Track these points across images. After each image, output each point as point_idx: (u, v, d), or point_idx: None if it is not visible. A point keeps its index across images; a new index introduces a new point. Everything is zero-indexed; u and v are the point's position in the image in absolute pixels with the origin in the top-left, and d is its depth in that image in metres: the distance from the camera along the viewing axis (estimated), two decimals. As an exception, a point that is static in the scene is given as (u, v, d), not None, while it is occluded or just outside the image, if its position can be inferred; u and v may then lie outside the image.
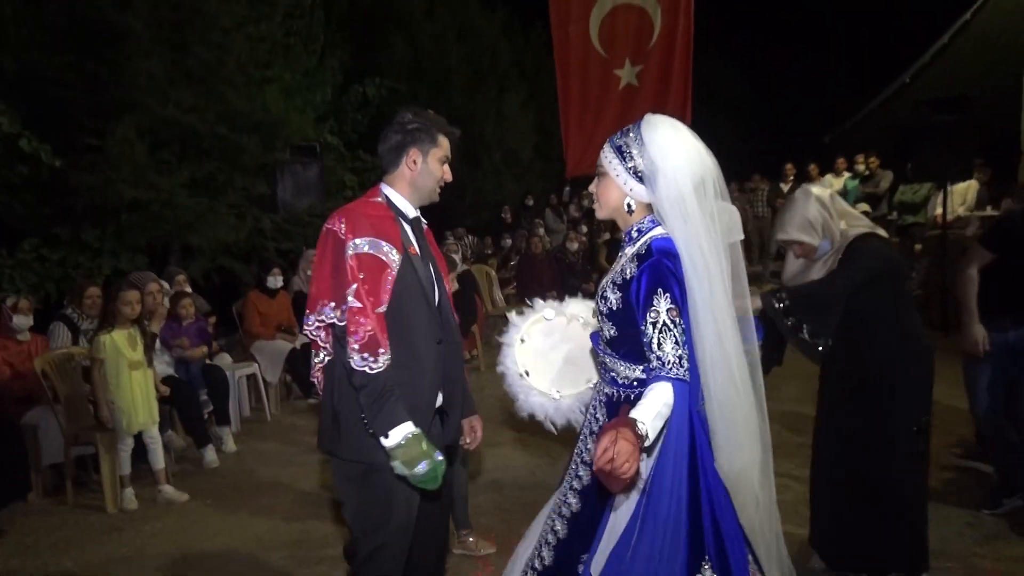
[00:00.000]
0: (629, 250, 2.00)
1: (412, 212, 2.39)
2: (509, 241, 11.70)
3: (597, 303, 2.07)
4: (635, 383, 1.97)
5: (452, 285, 3.90)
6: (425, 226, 2.47)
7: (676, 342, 1.83)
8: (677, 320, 1.84)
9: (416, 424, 2.18)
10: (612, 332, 2.02)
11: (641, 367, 1.94)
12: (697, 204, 1.88)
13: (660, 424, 1.78)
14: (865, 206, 9.69)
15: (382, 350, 2.12)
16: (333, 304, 2.16)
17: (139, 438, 4.66)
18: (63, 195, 7.37)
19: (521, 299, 8.53)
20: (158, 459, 4.71)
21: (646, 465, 1.87)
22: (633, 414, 1.74)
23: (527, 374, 2.56)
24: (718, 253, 1.90)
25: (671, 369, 1.82)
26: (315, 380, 2.38)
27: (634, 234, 2.01)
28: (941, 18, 10.34)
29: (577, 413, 2.50)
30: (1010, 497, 3.69)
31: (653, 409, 1.76)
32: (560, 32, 8.31)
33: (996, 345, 3.60)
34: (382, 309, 2.16)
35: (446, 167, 2.41)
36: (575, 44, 8.24)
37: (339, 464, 2.32)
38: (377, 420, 2.13)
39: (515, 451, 5.10)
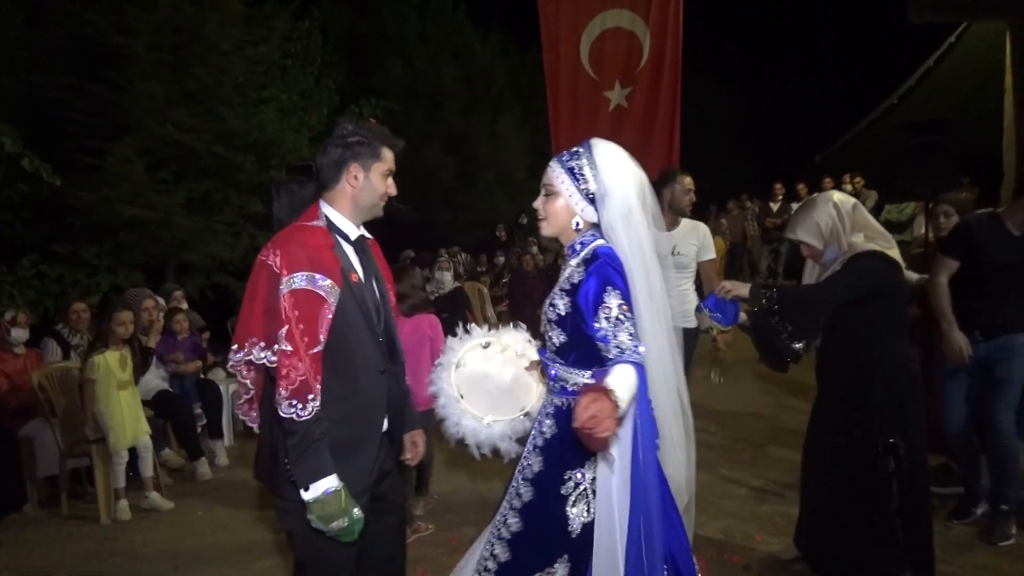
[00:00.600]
0: (574, 260, 2.11)
1: (355, 232, 2.26)
2: (502, 259, 11.84)
3: (545, 313, 2.15)
4: None
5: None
6: (370, 239, 2.35)
7: (631, 334, 1.91)
8: (629, 315, 1.93)
9: (362, 458, 2.13)
10: (561, 339, 2.10)
11: (590, 372, 2.02)
12: (642, 216, 2.05)
13: (629, 400, 1.80)
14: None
15: (311, 395, 1.99)
16: (263, 344, 2.04)
17: (133, 450, 4.77)
18: (62, 213, 7.54)
19: (513, 316, 8.64)
20: (147, 467, 4.84)
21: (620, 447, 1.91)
22: (606, 384, 1.73)
23: (462, 397, 2.55)
24: (660, 266, 2.07)
25: (631, 354, 1.88)
26: (240, 413, 2.31)
27: (577, 246, 2.12)
28: (928, 41, 10.56)
29: (507, 442, 2.49)
30: (977, 506, 3.79)
31: (623, 383, 1.79)
32: (551, 55, 8.46)
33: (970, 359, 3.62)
34: (317, 350, 2.02)
35: (390, 181, 2.27)
36: (565, 66, 8.38)
37: (279, 500, 2.19)
38: (299, 471, 2.00)
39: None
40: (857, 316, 2.94)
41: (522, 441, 2.31)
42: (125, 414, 4.71)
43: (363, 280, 2.24)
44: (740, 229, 12.68)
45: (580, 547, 1.98)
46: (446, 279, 7.50)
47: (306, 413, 1.98)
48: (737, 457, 5.06)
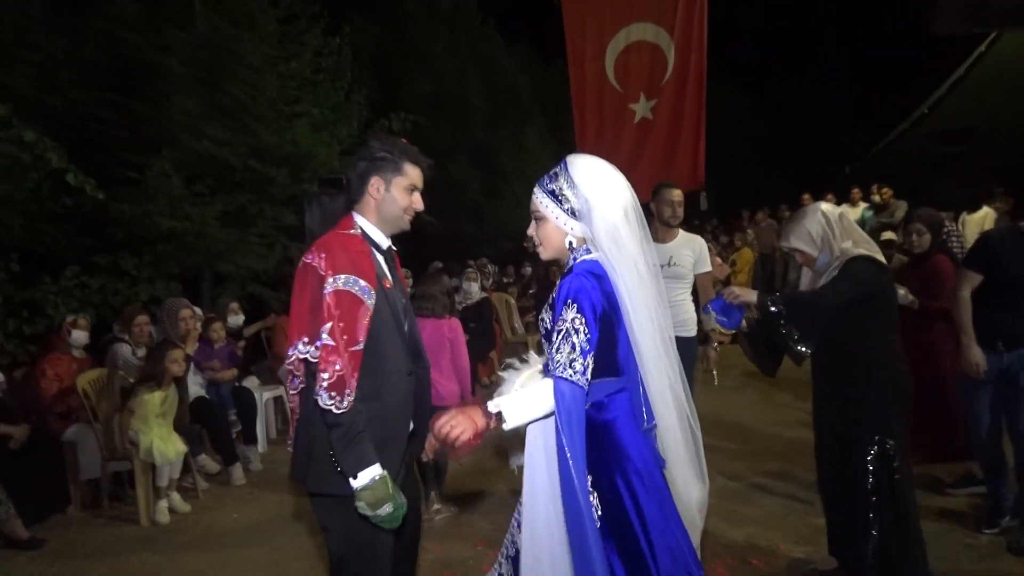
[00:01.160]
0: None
1: (385, 242, 2.39)
2: (529, 269, 11.94)
3: (540, 327, 2.19)
4: None
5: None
6: (395, 251, 2.47)
7: (574, 348, 1.92)
8: (582, 329, 1.93)
9: (389, 456, 2.21)
10: (551, 351, 2.12)
11: None
12: (629, 231, 2.04)
13: (530, 413, 1.94)
14: (891, 234, 9.73)
15: (348, 391, 2.10)
16: (307, 339, 2.16)
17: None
18: (103, 225, 7.78)
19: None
20: (175, 472, 4.98)
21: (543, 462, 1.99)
22: (487, 405, 1.91)
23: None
24: (654, 277, 2.07)
25: (558, 369, 1.91)
26: (291, 407, 2.39)
27: (570, 262, 2.13)
28: (958, 51, 10.49)
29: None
30: (1003, 515, 3.78)
31: (519, 397, 1.93)
32: (577, 71, 8.55)
33: (992, 369, 3.69)
34: (358, 348, 2.15)
35: (416, 195, 2.37)
36: (591, 82, 8.46)
37: (316, 496, 2.30)
38: (347, 461, 2.12)
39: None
40: (851, 317, 3.06)
41: None
42: (156, 442, 4.79)
43: (393, 286, 2.38)
44: (770, 240, 12.60)
45: None
46: (473, 290, 7.61)
47: (343, 406, 2.09)
48: (762, 467, 5.07)
